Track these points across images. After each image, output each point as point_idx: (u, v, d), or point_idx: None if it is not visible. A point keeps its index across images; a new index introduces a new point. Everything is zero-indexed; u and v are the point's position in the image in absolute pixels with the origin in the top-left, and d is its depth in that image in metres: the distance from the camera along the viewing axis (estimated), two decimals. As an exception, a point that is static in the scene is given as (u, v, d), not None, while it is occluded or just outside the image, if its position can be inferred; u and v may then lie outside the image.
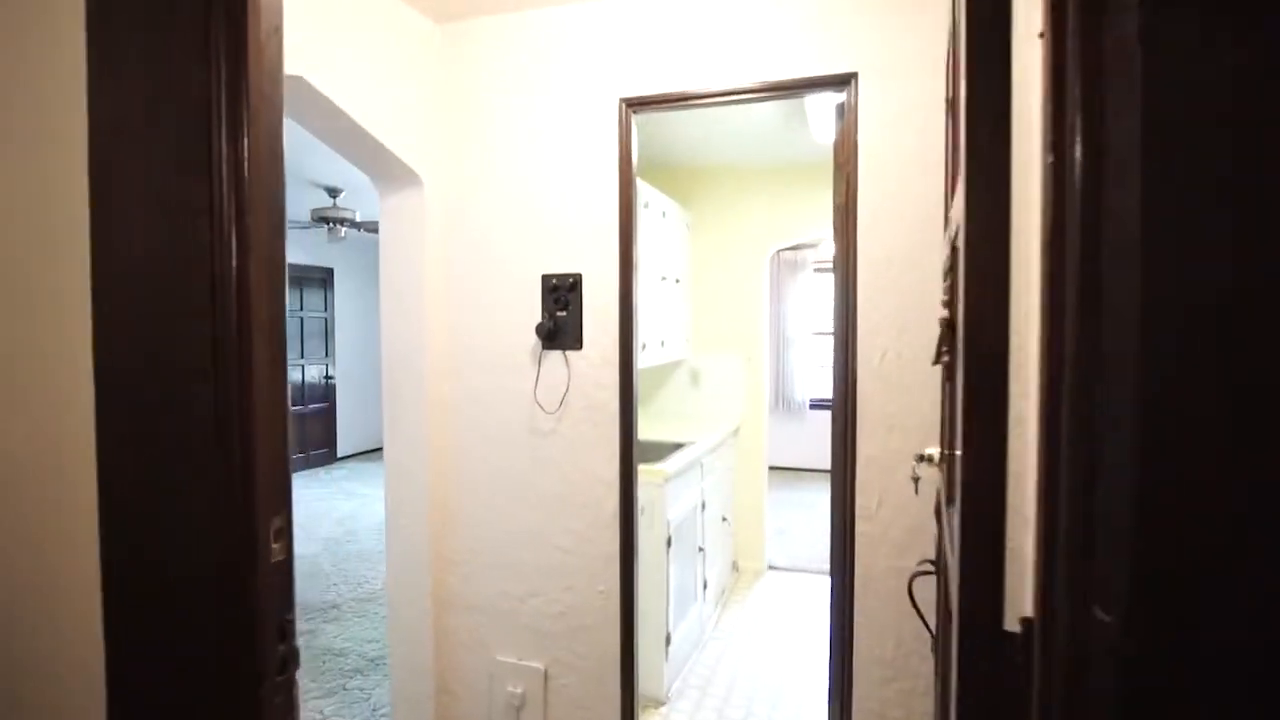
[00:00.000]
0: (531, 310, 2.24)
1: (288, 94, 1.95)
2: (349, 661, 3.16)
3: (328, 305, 7.71)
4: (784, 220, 4.19)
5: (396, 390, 2.33)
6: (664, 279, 3.68)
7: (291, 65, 1.61)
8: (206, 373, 0.96)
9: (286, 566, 1.07)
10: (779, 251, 5.63)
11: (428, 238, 2.27)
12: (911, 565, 1.77)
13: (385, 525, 2.39)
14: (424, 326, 2.27)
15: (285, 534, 1.06)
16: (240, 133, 0.96)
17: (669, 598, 2.83)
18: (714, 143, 3.73)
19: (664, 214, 3.68)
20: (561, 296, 2.20)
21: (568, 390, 2.20)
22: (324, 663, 3.15)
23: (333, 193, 4.93)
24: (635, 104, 2.12)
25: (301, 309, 7.37)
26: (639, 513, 2.26)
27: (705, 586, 3.43)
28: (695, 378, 4.34)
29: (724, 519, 3.92)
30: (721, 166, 4.21)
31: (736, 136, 3.60)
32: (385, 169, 2.22)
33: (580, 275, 2.19)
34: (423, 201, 2.26)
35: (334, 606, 3.78)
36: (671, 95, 2.08)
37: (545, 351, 2.23)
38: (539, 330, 2.19)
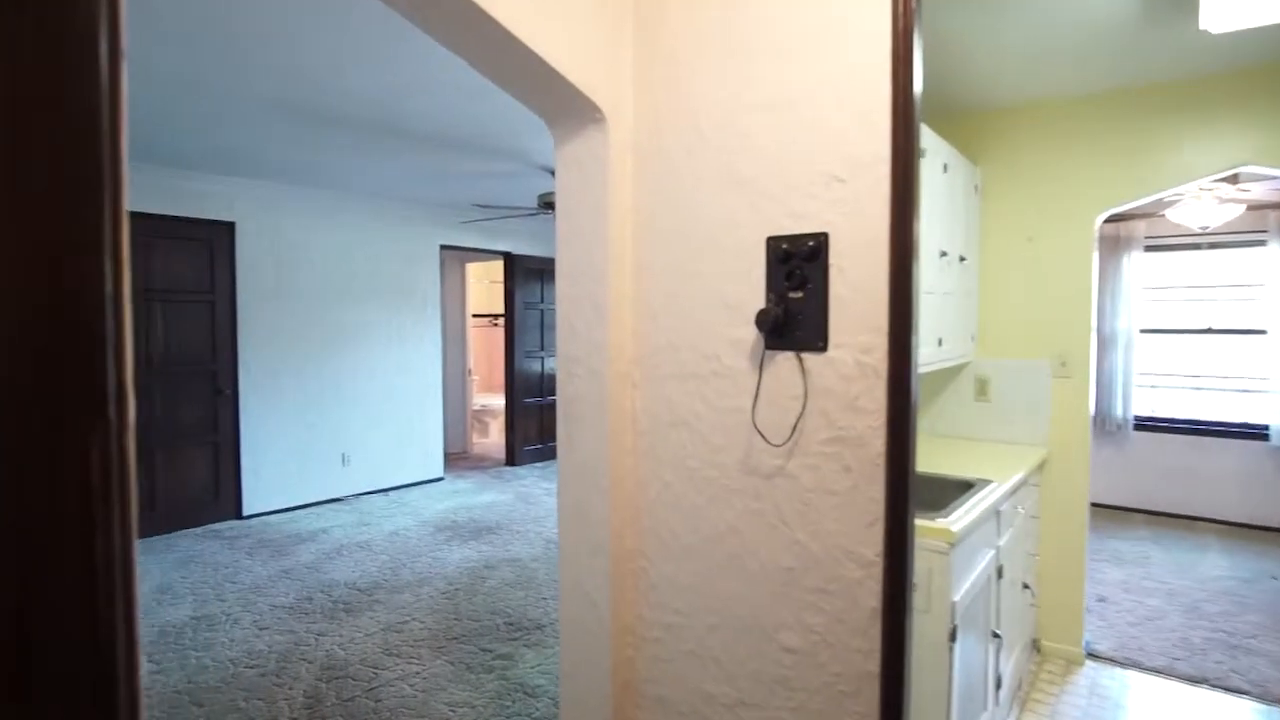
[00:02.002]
0: (750, 290, 1.52)
1: (446, 19, 1.44)
2: (540, 707, 2.73)
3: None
4: (1120, 173, 2.96)
5: (571, 403, 1.76)
6: (944, 255, 2.72)
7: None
8: None
9: None
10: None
11: (611, 194, 1.66)
12: None
13: (559, 581, 1.84)
14: (605, 315, 1.67)
15: None
16: None
17: (951, 713, 1.94)
18: (1014, 69, 2.68)
19: (945, 167, 2.72)
20: (796, 269, 1.45)
21: (804, 412, 1.45)
22: (512, 703, 2.75)
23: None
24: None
25: (542, 301, 7.40)
26: (912, 600, 1.44)
27: (999, 685, 2.44)
28: (982, 388, 3.27)
29: (1025, 586, 2.86)
30: (1022, 104, 3.09)
31: (1050, 53, 2.52)
32: (561, 103, 1.65)
33: (825, 236, 1.42)
34: (605, 143, 1.65)
35: (539, 627, 3.42)
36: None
37: (770, 352, 1.50)
38: (761, 320, 1.47)
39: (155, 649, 3.16)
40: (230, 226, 5.07)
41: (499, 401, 8.87)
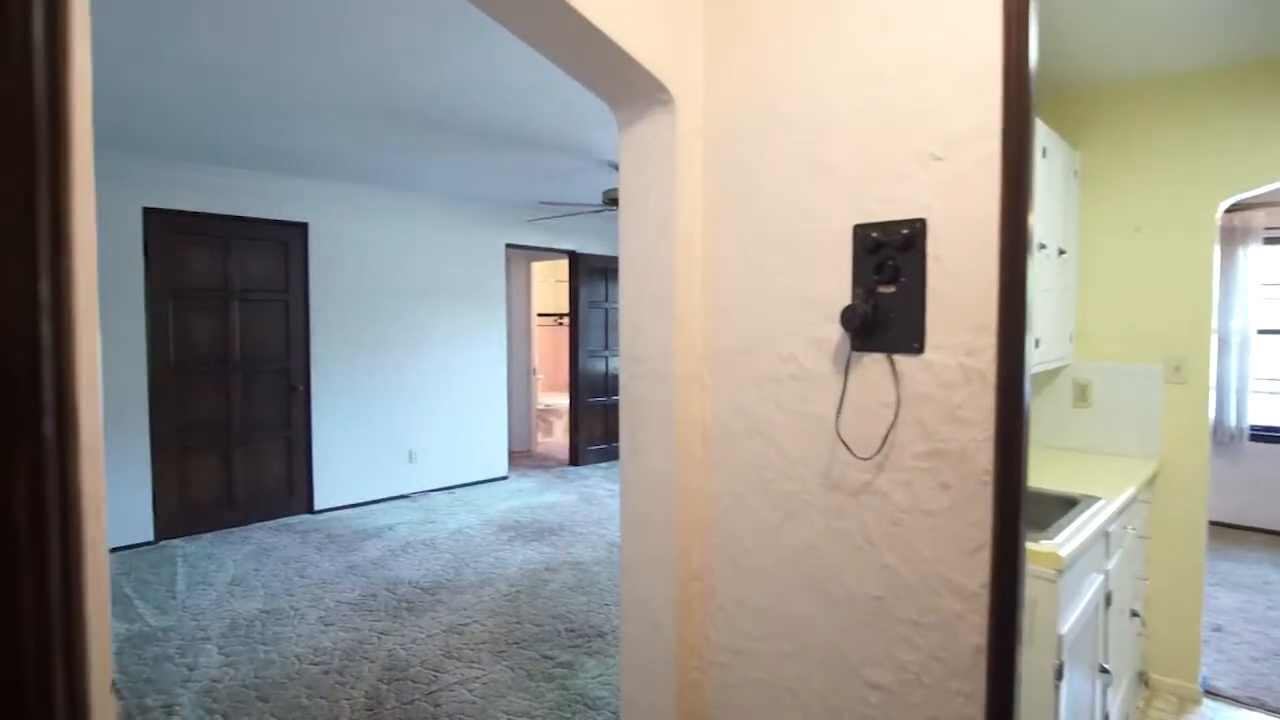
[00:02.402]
0: (834, 285, 1.37)
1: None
2: (602, 720, 2.63)
3: (631, 297, 7.58)
4: (1247, 157, 2.64)
5: (635, 407, 1.64)
6: (1042, 248, 2.48)
7: None
8: None
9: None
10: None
11: (678, 181, 1.53)
12: None
13: (620, 596, 1.73)
14: (672, 313, 1.54)
15: None
16: None
17: (1055, 757, 1.73)
18: (1132, 38, 2.41)
19: (1044, 151, 2.48)
20: (888, 261, 1.29)
21: (895, 421, 1.29)
22: (572, 715, 2.66)
23: (625, 172, 4.56)
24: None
25: (607, 300, 7.34)
26: (1022, 638, 1.25)
27: (1107, 724, 2.19)
28: (1082, 394, 2.99)
29: (1133, 614, 2.58)
30: (1136, 79, 2.80)
31: (1180, 18, 2.25)
32: (625, 83, 1.53)
33: (922, 223, 1.26)
34: (672, 126, 1.53)
35: (600, 635, 3.33)
36: None
37: (857, 354, 1.34)
38: (847, 318, 1.32)
39: (227, 641, 3.21)
40: (303, 227, 5.18)
41: (563, 401, 8.87)
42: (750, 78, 1.49)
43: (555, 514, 5.37)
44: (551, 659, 3.08)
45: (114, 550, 4.39)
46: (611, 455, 7.38)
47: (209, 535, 4.74)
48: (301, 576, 4.02)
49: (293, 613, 3.53)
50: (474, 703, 2.72)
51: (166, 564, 4.21)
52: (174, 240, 4.63)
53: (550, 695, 2.79)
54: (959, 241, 1.22)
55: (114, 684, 0.64)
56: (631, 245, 1.63)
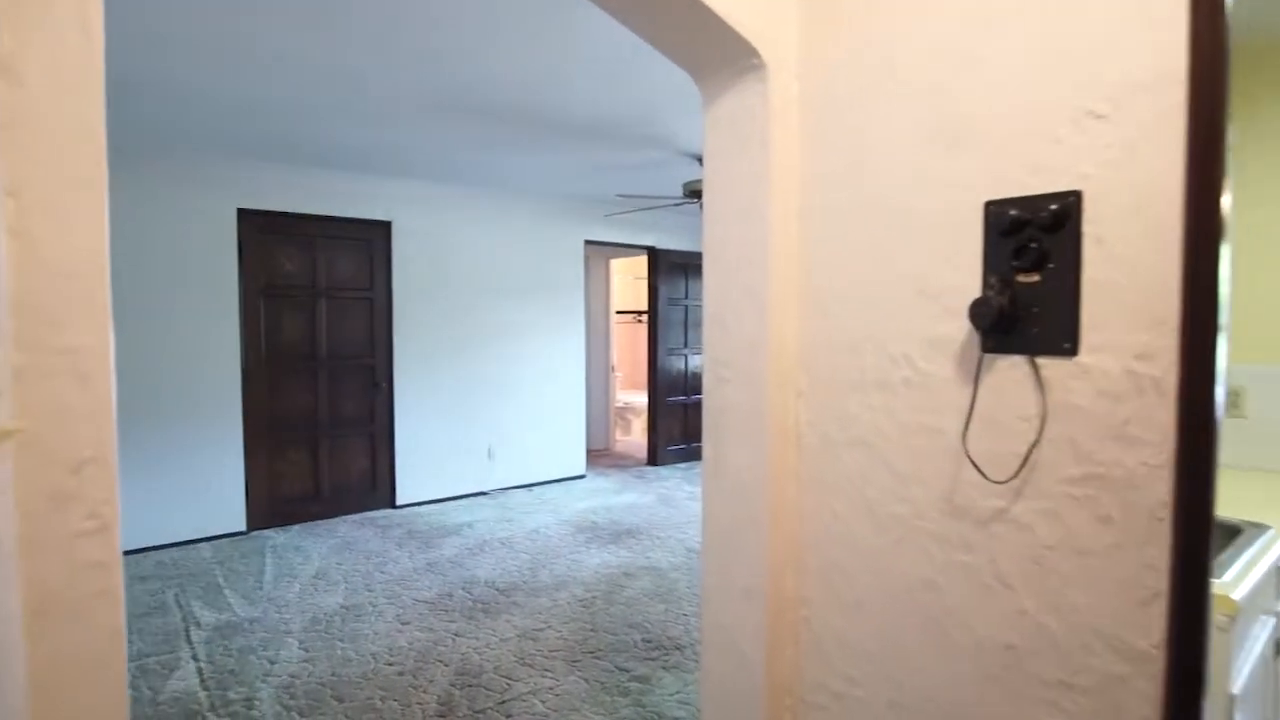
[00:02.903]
0: (959, 273, 1.15)
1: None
2: (680, 742, 2.47)
3: (711, 293, 7.38)
4: None
5: (720, 414, 1.47)
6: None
7: None
8: None
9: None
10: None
11: (773, 157, 1.34)
12: None
13: (700, 624, 1.56)
14: (764, 307, 1.36)
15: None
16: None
17: (1221, 839, 1.45)
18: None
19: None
20: (1030, 243, 1.06)
21: (1039, 439, 1.07)
22: (650, 736, 2.51)
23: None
24: None
25: (687, 297, 7.16)
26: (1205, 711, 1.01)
27: (1275, 793, 1.86)
28: (1235, 400, 2.60)
29: (1304, 659, 2.21)
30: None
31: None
32: (710, 48, 1.36)
33: (1077, 196, 1.03)
34: (765, 95, 1.34)
35: (678, 647, 3.16)
36: None
37: (989, 356, 1.12)
38: (977, 313, 1.10)
39: (307, 636, 3.23)
40: (386, 226, 5.24)
41: (642, 399, 8.75)
42: (857, 30, 1.28)
43: (633, 515, 5.24)
44: (627, 672, 2.94)
45: (210, 539, 4.55)
46: (691, 456, 7.21)
47: (297, 527, 4.86)
48: (381, 572, 4.04)
49: (371, 609, 3.53)
50: (546, 716, 2.62)
51: (256, 555, 4.33)
52: (265, 239, 4.77)
53: (626, 711, 2.65)
54: (1128, 219, 0.98)
55: None
56: (717, 233, 1.45)
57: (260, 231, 4.74)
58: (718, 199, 1.45)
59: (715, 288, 1.46)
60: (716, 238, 1.45)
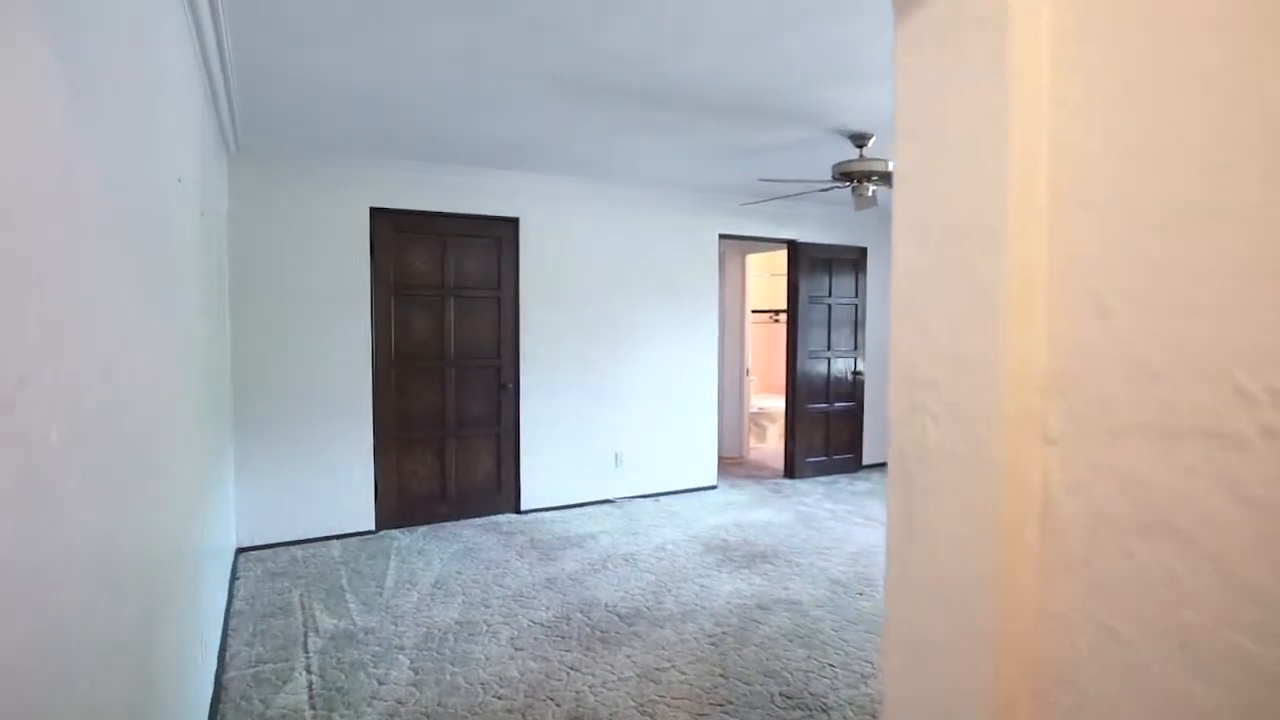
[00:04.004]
0: None
1: None
2: (829, 844, 1.99)
3: (858, 290, 6.72)
4: None
5: (913, 460, 1.00)
6: None
7: None
8: None
9: None
10: None
11: (1011, 80, 0.86)
12: None
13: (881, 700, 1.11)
14: (995, 304, 0.88)
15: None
16: None
17: None
18: None
19: None
20: None
21: None
22: (791, 832, 2.05)
23: (859, 140, 3.81)
24: None
25: (830, 295, 6.55)
26: None
27: None
28: None
29: None
30: None
31: None
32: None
33: None
34: (1003, 10, 0.86)
35: (824, 708, 2.67)
36: None
37: None
38: None
39: (419, 655, 3.05)
40: (514, 223, 5.09)
41: (777, 404, 8.20)
42: None
43: (768, 536, 4.76)
44: (762, 736, 2.50)
45: (340, 537, 4.58)
46: (832, 469, 6.59)
47: (422, 529, 4.81)
48: (500, 585, 3.84)
49: (485, 629, 3.31)
50: (667, 785, 2.23)
51: (381, 556, 4.28)
52: (396, 238, 4.74)
53: (760, 790, 2.21)
54: None
55: None
56: (916, 193, 0.99)
57: (392, 230, 4.72)
58: (917, 147, 0.99)
59: (911, 271, 1.00)
60: (915, 202, 0.99)
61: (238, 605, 3.56)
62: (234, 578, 3.89)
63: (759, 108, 3.40)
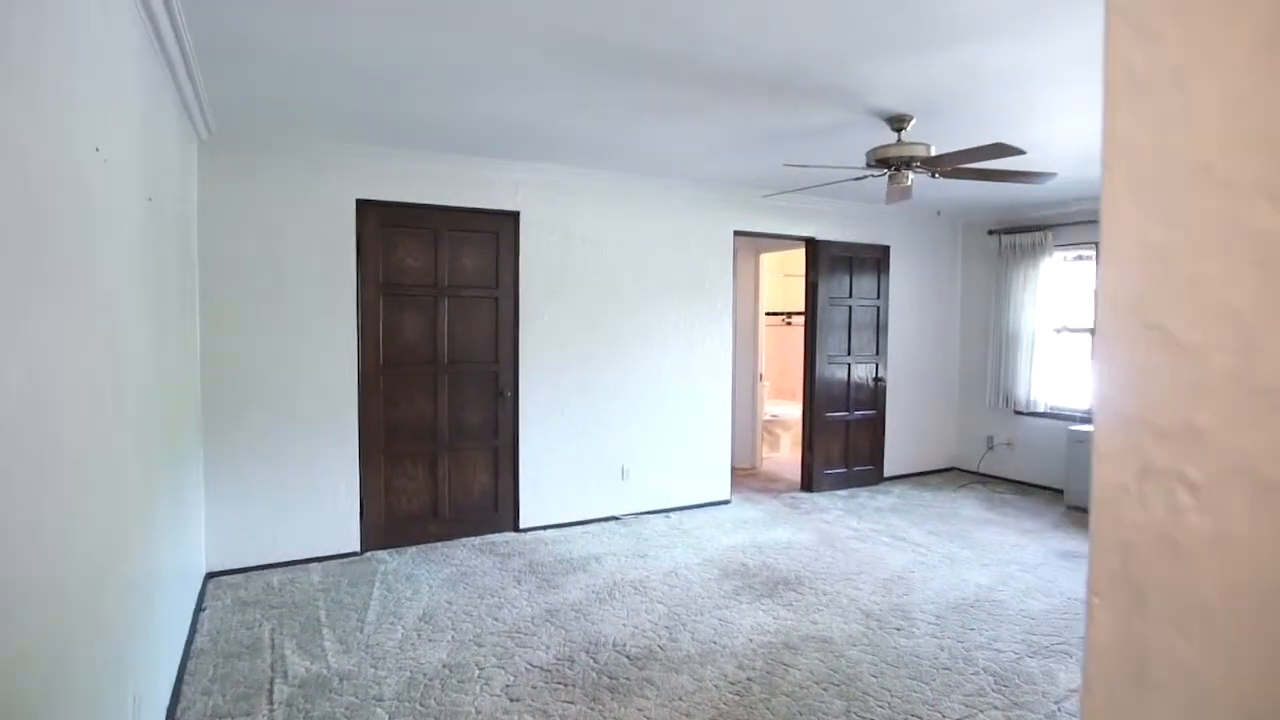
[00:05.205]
0: None
1: None
2: None
3: (880, 291, 6.32)
4: None
5: (1162, 534, 0.60)
6: None
7: None
8: None
9: None
10: None
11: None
12: None
13: None
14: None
15: None
16: None
17: None
18: None
19: None
20: None
21: None
22: None
23: (897, 123, 3.41)
24: None
25: (851, 296, 6.15)
26: None
27: None
28: None
29: None
30: None
31: None
32: None
33: None
34: None
35: (873, 781, 2.27)
36: None
37: None
38: None
39: (400, 707, 2.66)
40: (514, 217, 4.70)
41: (790, 410, 7.79)
42: None
43: (789, 559, 4.35)
44: (803, 819, 2.10)
45: (322, 559, 4.18)
46: (852, 481, 6.18)
47: (412, 550, 4.41)
48: (495, 619, 3.44)
49: (477, 673, 2.91)
50: None
51: (365, 582, 3.88)
52: (385, 233, 4.35)
53: None
54: None
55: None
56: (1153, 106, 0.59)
57: (380, 224, 4.33)
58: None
59: (1146, 251, 0.60)
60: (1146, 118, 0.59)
61: (200, 642, 3.16)
62: (199, 608, 3.49)
63: (788, 84, 3.00)
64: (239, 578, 3.90)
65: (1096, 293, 0.67)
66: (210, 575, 3.90)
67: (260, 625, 3.34)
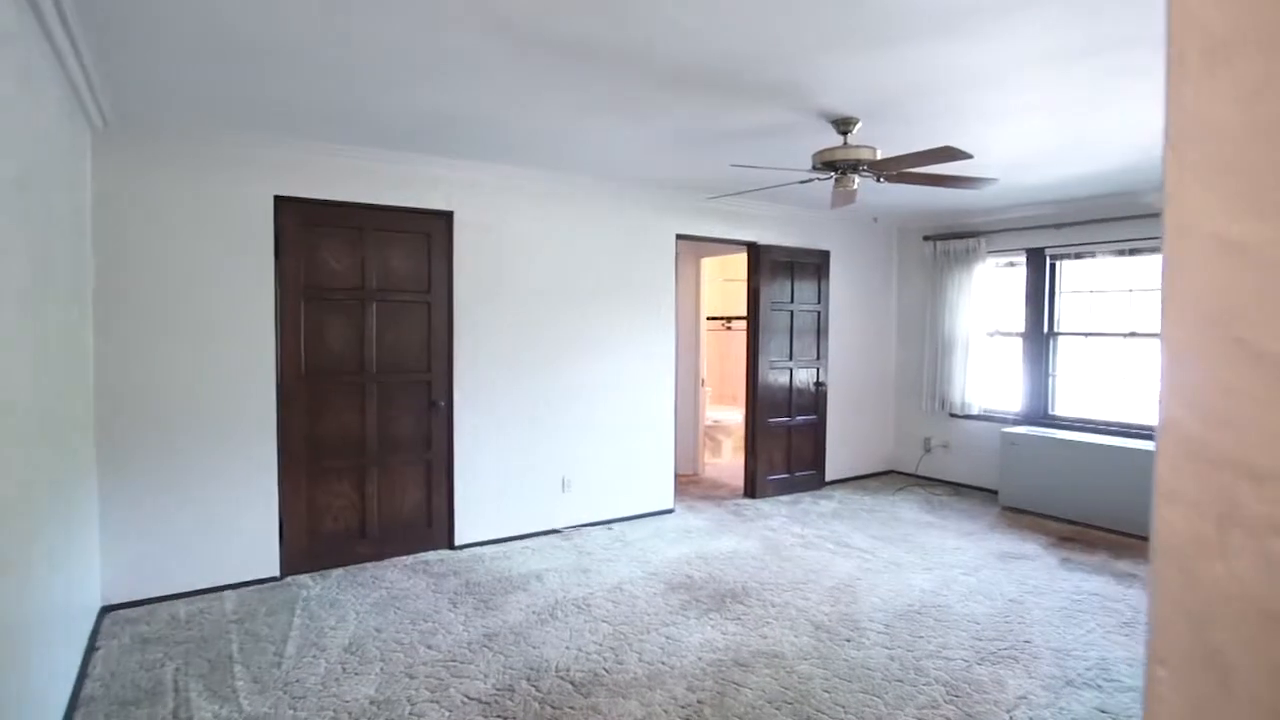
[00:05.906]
0: None
1: None
2: None
3: (821, 296, 6.33)
4: None
5: (1254, 597, 0.48)
6: None
7: None
8: None
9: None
10: None
11: None
12: None
13: None
14: None
15: None
16: None
17: None
18: None
19: None
20: None
21: None
22: None
23: (843, 126, 3.36)
24: None
25: (792, 301, 6.14)
26: None
27: None
28: None
29: None
30: None
31: None
32: None
33: None
34: None
35: (832, 808, 2.17)
36: None
37: None
38: None
39: (321, 752, 2.41)
40: (448, 217, 4.46)
41: (731, 415, 7.76)
42: None
43: (735, 569, 4.26)
44: None
45: (237, 586, 3.85)
46: (796, 486, 6.17)
47: (338, 572, 4.11)
48: (428, 647, 3.21)
49: (408, 709, 2.69)
50: None
51: (285, 610, 3.58)
52: (307, 233, 4.05)
53: None
54: None
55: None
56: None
57: (302, 223, 4.03)
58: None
59: (1229, 249, 0.49)
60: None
61: (90, 688, 2.82)
62: (91, 647, 3.14)
63: (733, 83, 2.90)
64: (140, 610, 3.54)
65: (1162, 296, 0.55)
66: (106, 609, 3.52)
67: (163, 665, 3.02)
